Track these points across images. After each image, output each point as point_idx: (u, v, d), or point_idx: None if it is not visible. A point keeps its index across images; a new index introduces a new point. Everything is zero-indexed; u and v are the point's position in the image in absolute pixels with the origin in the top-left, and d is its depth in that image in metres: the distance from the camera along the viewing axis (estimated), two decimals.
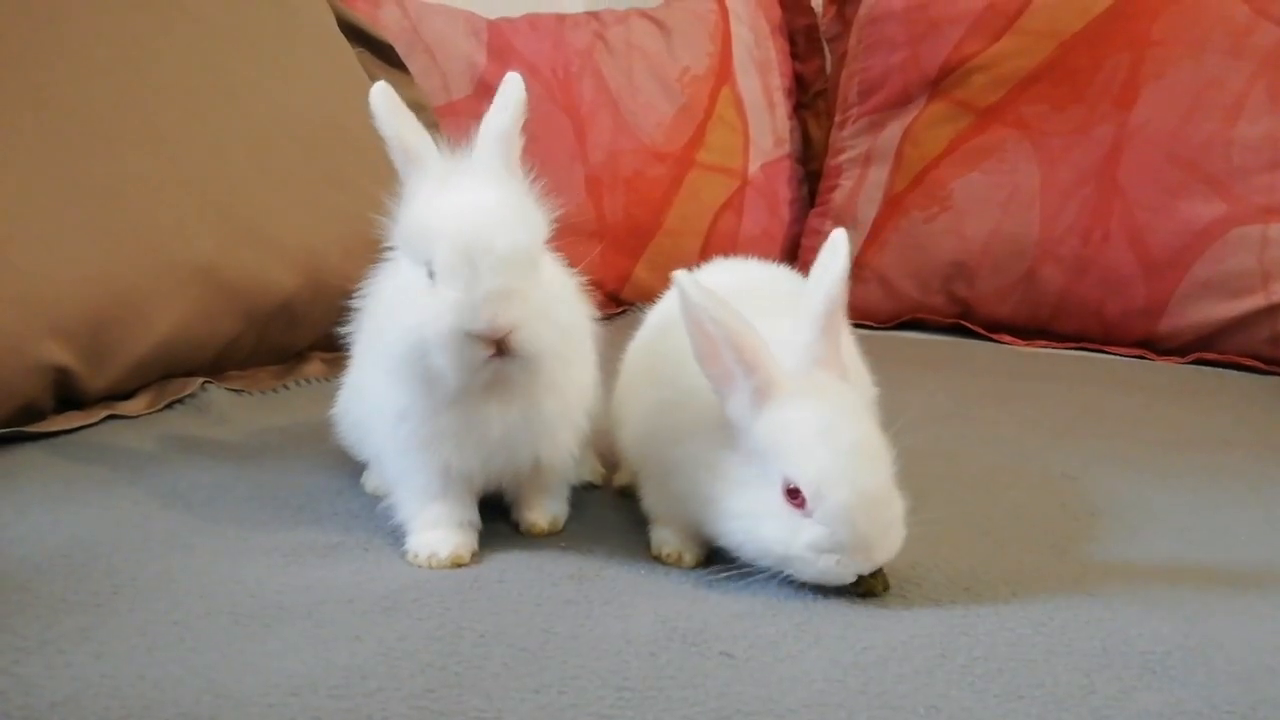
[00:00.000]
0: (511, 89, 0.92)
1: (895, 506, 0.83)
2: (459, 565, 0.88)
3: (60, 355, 1.20)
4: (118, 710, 0.64)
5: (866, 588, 0.82)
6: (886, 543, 0.81)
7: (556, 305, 0.88)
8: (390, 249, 0.94)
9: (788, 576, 0.83)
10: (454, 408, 0.88)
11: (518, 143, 0.93)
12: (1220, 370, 1.77)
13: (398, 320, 0.87)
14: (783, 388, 0.82)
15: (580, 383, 0.95)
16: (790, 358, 0.84)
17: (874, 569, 0.81)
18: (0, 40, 1.29)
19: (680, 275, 0.83)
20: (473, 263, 0.83)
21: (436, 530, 0.90)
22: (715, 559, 0.91)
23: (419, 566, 0.88)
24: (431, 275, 0.84)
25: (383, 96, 0.90)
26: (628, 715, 0.65)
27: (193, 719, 0.63)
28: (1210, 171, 1.82)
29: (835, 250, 0.86)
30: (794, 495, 0.81)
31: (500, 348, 0.83)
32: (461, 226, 0.84)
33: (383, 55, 1.94)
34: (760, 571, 0.84)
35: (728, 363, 0.82)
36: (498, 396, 0.88)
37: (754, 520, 0.82)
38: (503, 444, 0.90)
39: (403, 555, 0.90)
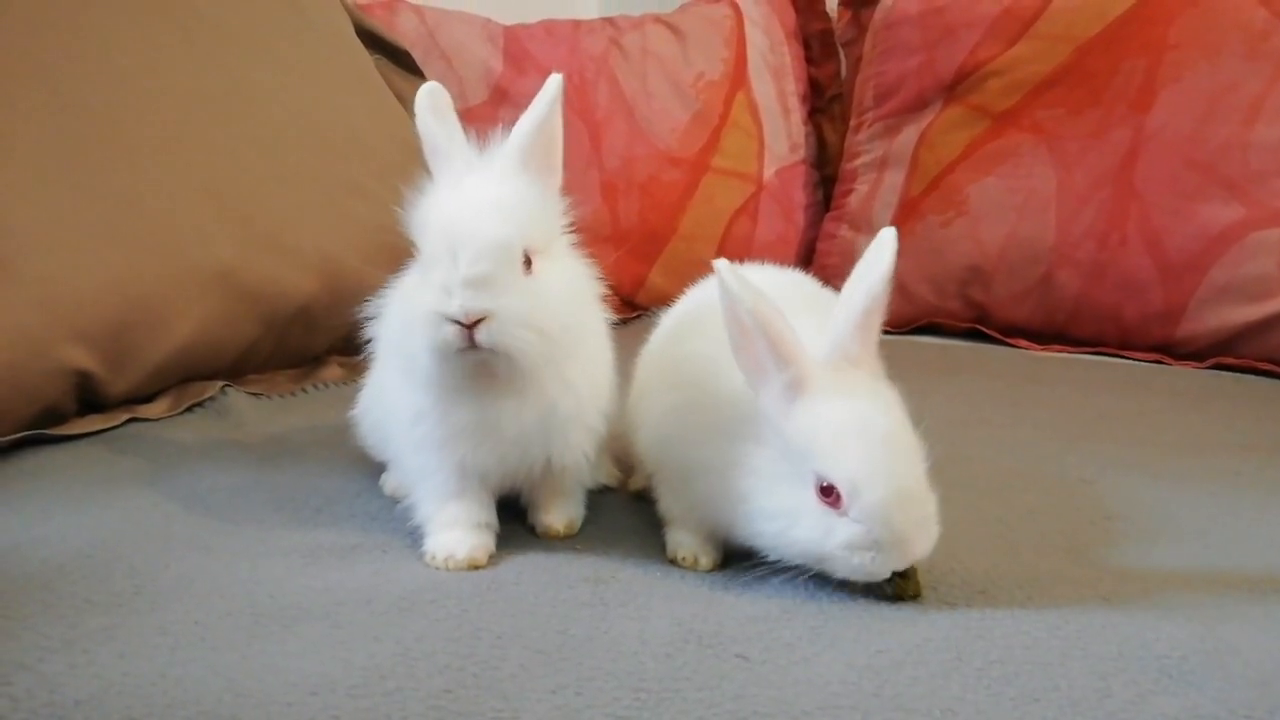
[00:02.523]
0: (547, 89, 0.93)
1: (930, 503, 0.82)
2: (475, 567, 0.89)
3: (82, 359, 1.21)
4: (140, 708, 0.64)
5: (899, 591, 0.82)
6: (922, 539, 0.81)
7: (546, 305, 0.87)
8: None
9: (818, 573, 0.83)
10: (469, 406, 0.89)
11: (555, 141, 0.93)
12: (1239, 375, 1.76)
13: (393, 309, 0.92)
14: (816, 384, 0.82)
15: (595, 383, 0.96)
16: (825, 355, 0.83)
17: (908, 565, 0.81)
18: (23, 48, 1.31)
19: (721, 264, 0.83)
20: (453, 251, 0.84)
21: (454, 531, 0.91)
22: (731, 562, 0.91)
23: (436, 568, 0.89)
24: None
25: (426, 96, 0.93)
26: (644, 716, 0.66)
27: (213, 717, 0.64)
28: (1228, 175, 1.81)
29: (882, 248, 0.85)
30: (828, 493, 0.80)
31: (472, 339, 0.84)
32: (448, 216, 0.87)
33: (399, 61, 1.96)
34: (782, 570, 0.84)
35: (761, 355, 0.82)
36: (511, 394, 0.88)
37: (787, 520, 0.82)
38: (517, 442, 0.90)
39: (420, 556, 0.91)
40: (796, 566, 0.83)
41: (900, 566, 0.81)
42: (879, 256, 0.85)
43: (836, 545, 0.80)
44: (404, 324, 0.89)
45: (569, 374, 0.91)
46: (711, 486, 0.87)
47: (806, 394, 0.82)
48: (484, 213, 0.86)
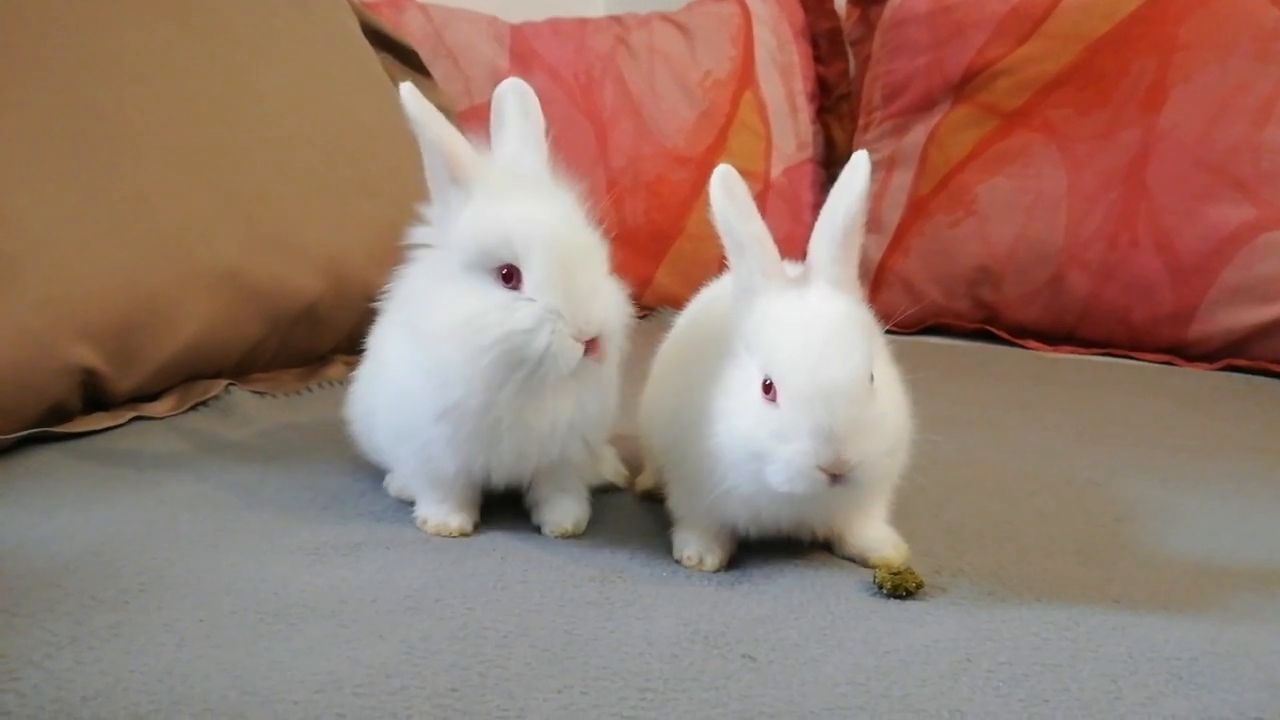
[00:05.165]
0: (527, 96, 0.96)
1: (871, 410, 0.80)
2: (464, 534, 0.95)
3: (88, 357, 1.21)
4: (146, 705, 0.64)
5: (895, 585, 0.82)
6: (858, 443, 0.79)
7: (624, 301, 0.94)
8: (419, 249, 0.96)
9: (822, 582, 0.83)
10: (507, 405, 0.89)
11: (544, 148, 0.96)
12: (1250, 376, 1.75)
13: (482, 321, 0.88)
14: (776, 290, 0.85)
15: (613, 383, 0.98)
16: (801, 273, 0.86)
17: (840, 466, 0.79)
18: (32, 49, 1.31)
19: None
20: (569, 269, 0.87)
21: (446, 504, 0.96)
22: (738, 562, 0.91)
23: (429, 533, 0.94)
24: (508, 279, 0.88)
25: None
26: (650, 716, 0.65)
27: (219, 715, 0.64)
28: (1238, 176, 1.80)
29: (856, 170, 0.87)
30: (768, 389, 0.81)
31: (589, 348, 0.88)
32: (556, 234, 0.88)
33: (406, 60, 1.96)
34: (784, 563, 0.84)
35: (733, 258, 0.87)
36: (558, 391, 0.90)
37: (735, 418, 0.83)
38: (540, 441, 0.92)
39: (412, 521, 0.96)
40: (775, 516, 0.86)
41: (830, 464, 0.79)
42: (853, 178, 0.87)
43: (768, 434, 0.80)
44: (522, 346, 0.87)
45: (600, 376, 0.94)
46: (701, 441, 0.86)
47: (762, 299, 0.84)
48: (584, 226, 0.90)
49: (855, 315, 0.85)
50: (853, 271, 0.87)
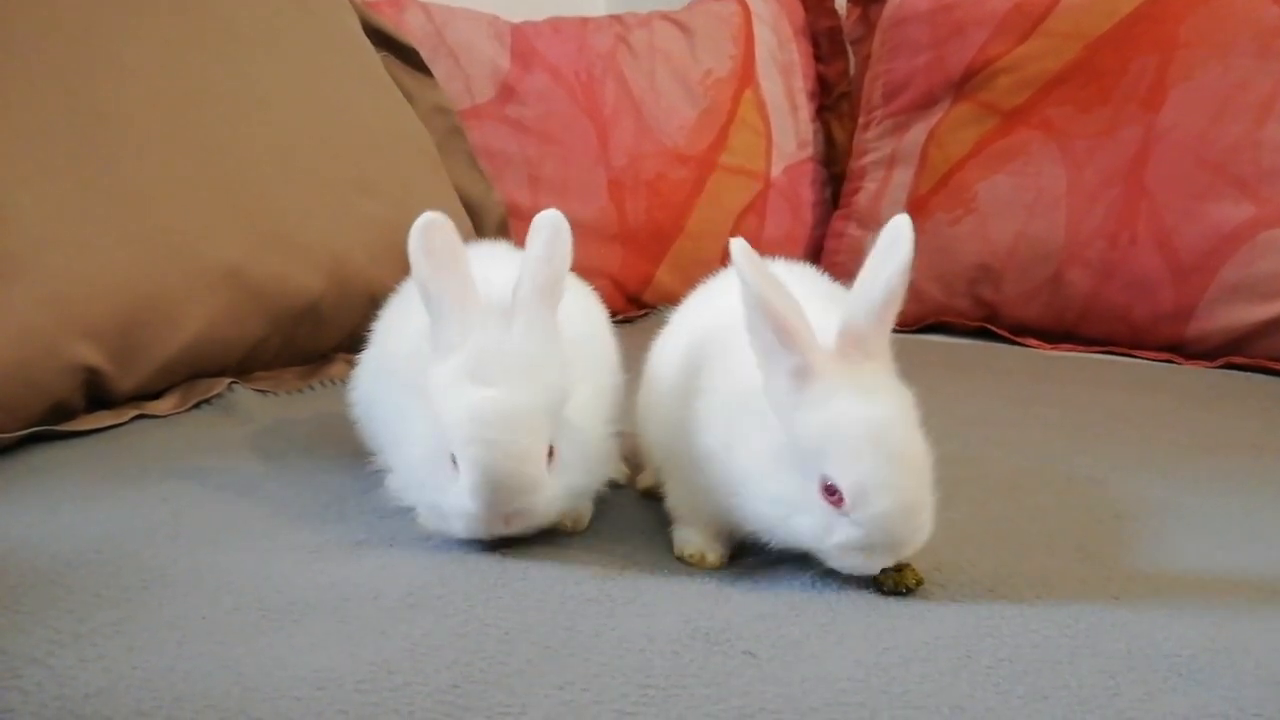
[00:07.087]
0: (560, 231, 0.91)
1: (929, 506, 0.83)
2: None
3: (90, 355, 1.22)
4: (149, 701, 0.65)
5: (897, 583, 0.83)
6: (915, 540, 0.82)
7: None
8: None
9: (825, 570, 0.84)
10: None
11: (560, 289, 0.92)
12: (1250, 374, 1.75)
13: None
14: (828, 377, 0.80)
15: (605, 392, 0.98)
16: (839, 347, 0.82)
17: (899, 562, 0.82)
18: (35, 46, 1.31)
19: (737, 244, 0.81)
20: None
21: None
22: (738, 559, 0.91)
23: (431, 529, 0.93)
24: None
25: (419, 232, 0.87)
26: (650, 713, 0.66)
27: (222, 711, 0.64)
28: (1239, 174, 1.80)
29: (898, 237, 0.82)
30: (832, 493, 0.80)
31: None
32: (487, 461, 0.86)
33: (407, 59, 1.96)
34: (786, 558, 0.85)
35: (768, 339, 0.81)
36: None
37: (789, 508, 0.82)
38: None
39: (413, 518, 0.95)
40: (794, 552, 0.85)
41: (890, 564, 0.82)
42: (897, 246, 0.82)
43: (833, 544, 0.81)
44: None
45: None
46: (714, 470, 0.86)
47: (818, 387, 0.80)
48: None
49: (912, 405, 0.83)
50: (886, 341, 0.84)
